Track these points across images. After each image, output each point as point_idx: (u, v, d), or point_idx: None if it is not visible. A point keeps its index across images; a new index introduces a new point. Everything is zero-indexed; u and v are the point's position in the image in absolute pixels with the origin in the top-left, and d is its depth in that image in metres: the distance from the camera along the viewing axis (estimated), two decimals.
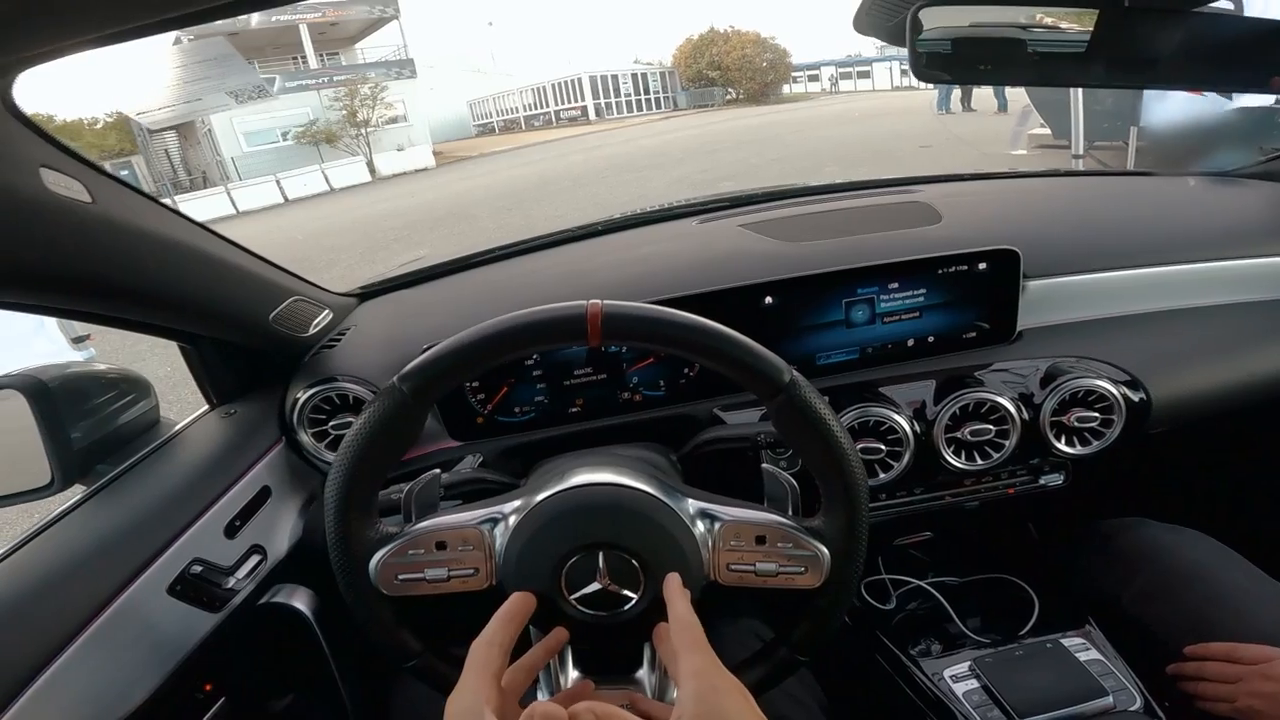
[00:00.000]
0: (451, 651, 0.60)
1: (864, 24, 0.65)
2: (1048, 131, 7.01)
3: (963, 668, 0.87)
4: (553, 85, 37.25)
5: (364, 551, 0.55)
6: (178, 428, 0.85)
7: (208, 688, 0.72)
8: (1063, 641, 0.88)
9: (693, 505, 0.58)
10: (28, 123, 0.47)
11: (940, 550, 1.11)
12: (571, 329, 0.52)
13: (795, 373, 0.54)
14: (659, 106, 37.73)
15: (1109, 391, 0.88)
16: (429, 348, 0.82)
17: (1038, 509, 1.11)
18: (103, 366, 0.83)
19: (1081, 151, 5.45)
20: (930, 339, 0.95)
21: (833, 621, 0.59)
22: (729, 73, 35.37)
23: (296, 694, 0.83)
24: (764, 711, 0.75)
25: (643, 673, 0.62)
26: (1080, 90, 4.81)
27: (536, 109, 37.89)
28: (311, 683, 0.83)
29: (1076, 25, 0.57)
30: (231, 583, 0.73)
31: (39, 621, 0.58)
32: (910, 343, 0.94)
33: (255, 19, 19.83)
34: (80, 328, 3.20)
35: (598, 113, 35.71)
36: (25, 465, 0.75)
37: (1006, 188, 1.32)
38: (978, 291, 0.93)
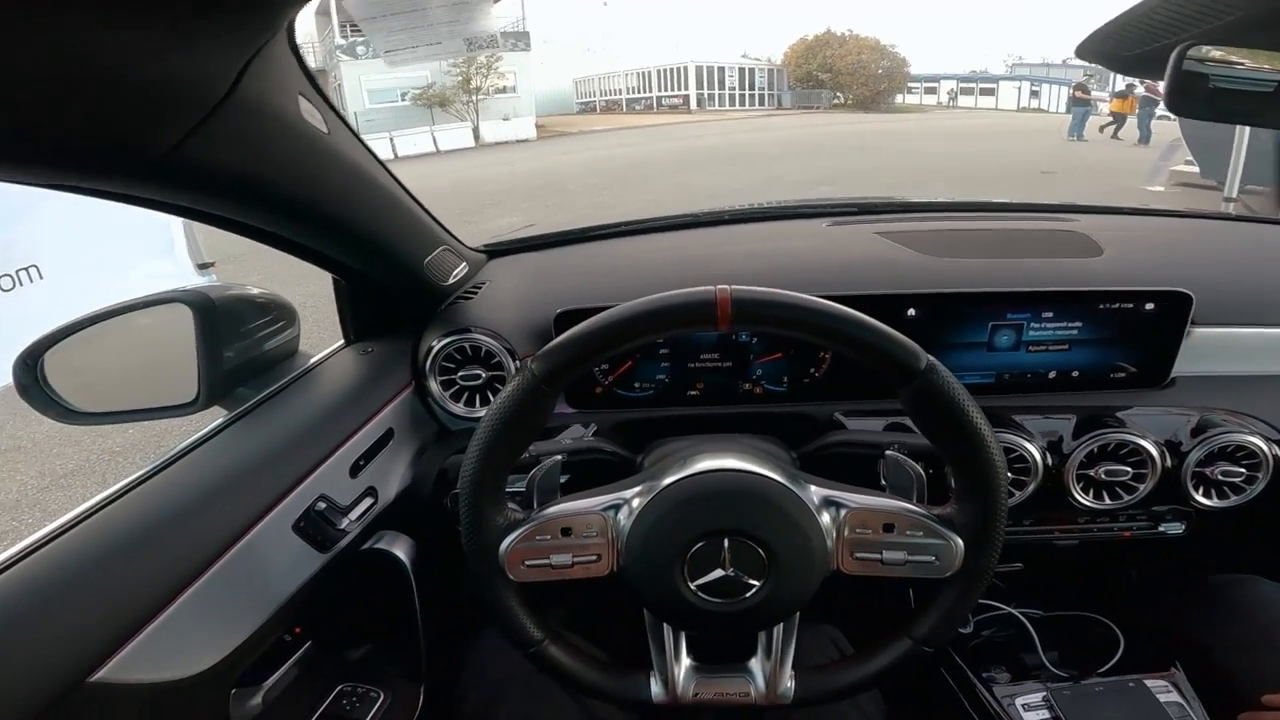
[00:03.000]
0: (571, 640, 0.61)
1: (1092, 52, 0.61)
2: (1194, 169, 6.46)
3: (1036, 698, 0.87)
4: (658, 71, 37.26)
5: (495, 536, 0.56)
6: (316, 359, 0.88)
7: (297, 630, 0.73)
8: (1146, 683, 0.87)
9: (817, 493, 0.57)
10: (296, 52, 0.50)
11: (1026, 581, 1.08)
12: (700, 314, 0.52)
13: (932, 358, 0.52)
14: (762, 103, 37.16)
15: (1261, 449, 0.84)
16: (562, 312, 0.84)
17: (1143, 554, 1.07)
18: (256, 291, 0.85)
19: (1235, 194, 4.97)
20: (1074, 374, 0.91)
21: (962, 613, 0.59)
22: (840, 76, 34.41)
23: (374, 645, 0.84)
24: (827, 714, 0.73)
25: (755, 662, 0.61)
26: (1248, 129, 4.36)
27: (639, 93, 38.03)
28: (392, 634, 0.83)
29: None
30: (344, 523, 0.73)
31: (176, 549, 0.58)
32: (1051, 375, 0.91)
33: None
34: (206, 254, 3.45)
35: (699, 103, 35.49)
36: (175, 380, 0.78)
37: (1171, 226, 1.22)
38: (1137, 332, 0.88)
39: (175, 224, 3.27)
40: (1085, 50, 0.62)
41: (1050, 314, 0.87)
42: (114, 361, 0.85)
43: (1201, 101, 0.54)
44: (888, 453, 0.66)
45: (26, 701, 0.45)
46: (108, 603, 0.52)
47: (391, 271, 0.83)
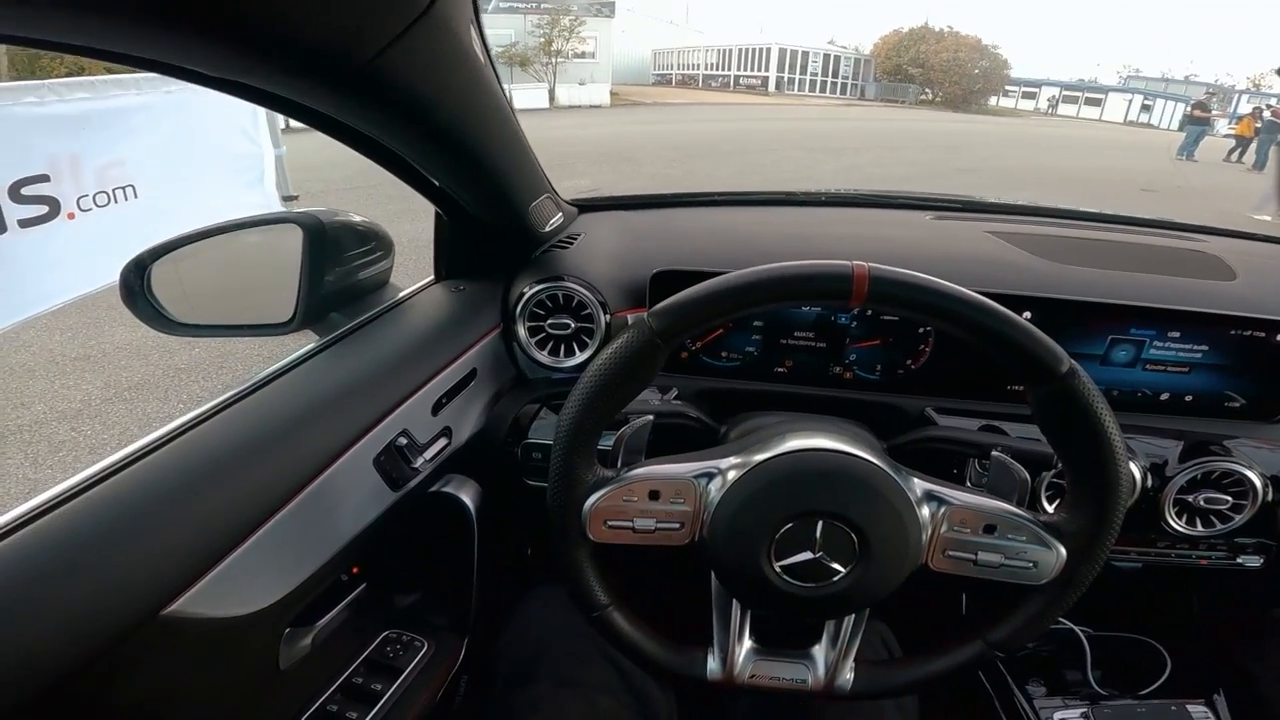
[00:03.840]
0: (634, 611, 0.60)
1: None
2: None
3: (1075, 714, 0.89)
4: (739, 50, 36.50)
5: (581, 492, 0.54)
6: (407, 292, 0.89)
7: (355, 570, 0.71)
8: (1187, 707, 0.88)
9: (920, 485, 0.55)
10: None
11: (1080, 598, 1.05)
12: (835, 288, 0.49)
13: (1074, 362, 0.49)
14: (844, 92, 36.07)
15: None
16: (659, 272, 0.83)
17: (1209, 582, 1.04)
18: (358, 218, 0.86)
19: None
20: (1188, 398, 0.87)
21: (1046, 623, 0.57)
22: (932, 72, 33.08)
23: (424, 592, 0.83)
24: (864, 710, 0.72)
25: (819, 649, 0.60)
26: None
27: (718, 70, 37.35)
28: (443, 582, 0.82)
29: None
30: (419, 462, 0.72)
31: (261, 479, 0.56)
32: (1164, 396, 0.87)
33: None
34: (293, 188, 3.58)
35: (778, 86, 34.66)
36: (274, 299, 0.79)
37: None
38: (1261, 363, 0.84)
39: (268, 157, 3.38)
40: None
41: (1177, 334, 0.82)
42: (215, 277, 0.86)
43: None
44: (994, 453, 0.63)
45: (101, 633, 0.44)
46: (188, 533, 0.50)
47: (499, 211, 0.83)
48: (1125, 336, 0.83)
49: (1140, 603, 1.08)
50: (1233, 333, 0.82)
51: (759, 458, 0.55)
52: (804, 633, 0.61)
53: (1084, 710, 0.89)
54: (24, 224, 2.57)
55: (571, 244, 0.94)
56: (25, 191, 2.56)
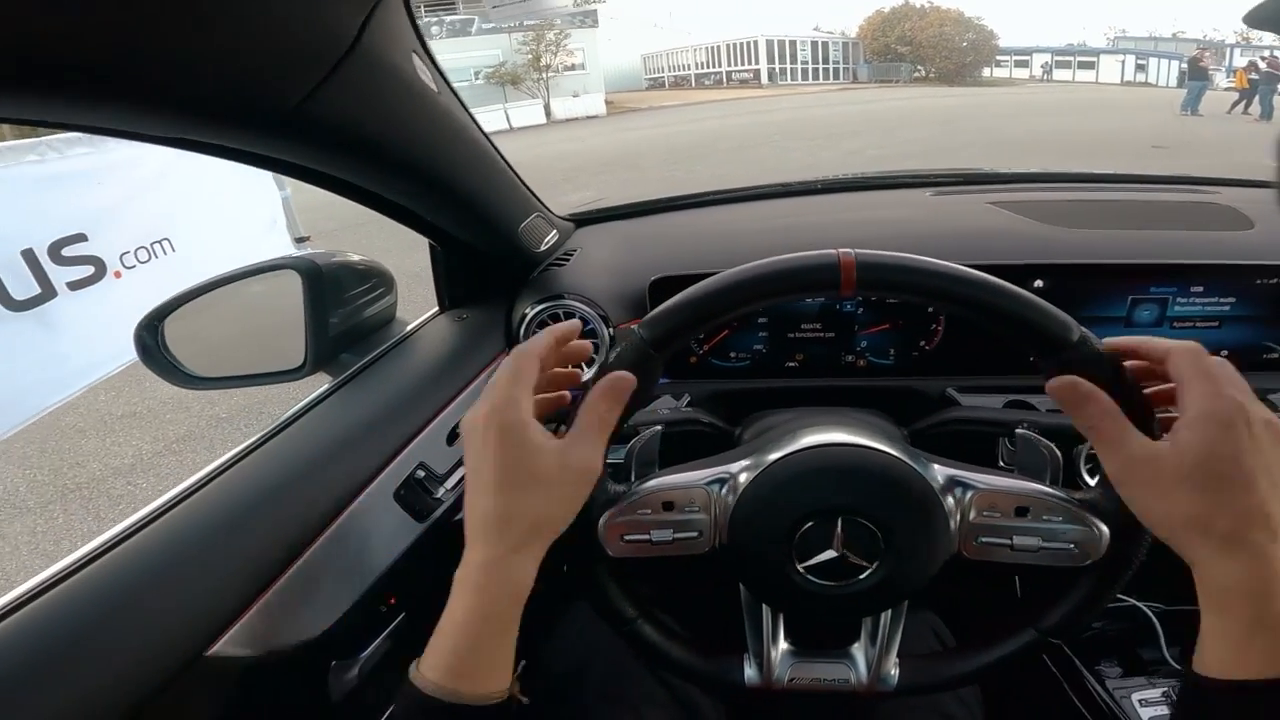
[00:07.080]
0: (662, 620, 0.59)
1: (1264, 20, 0.53)
2: None
3: (1156, 693, 0.83)
4: (727, 45, 36.58)
5: (594, 509, 0.53)
6: (413, 326, 0.89)
7: (391, 601, 0.72)
8: None
9: (941, 472, 0.53)
10: (410, 11, 0.50)
11: (1147, 573, 1.01)
12: (823, 278, 0.47)
13: (1085, 330, 0.46)
14: (837, 77, 35.96)
15: None
16: (657, 279, 0.82)
17: None
18: (357, 258, 0.86)
19: None
20: (1223, 353, 0.82)
21: (1100, 606, 0.53)
22: (921, 49, 32.93)
23: None
24: (922, 704, 0.69)
25: (858, 647, 0.58)
26: None
27: (708, 68, 37.44)
28: None
29: None
30: (440, 492, 0.71)
31: (287, 519, 0.58)
32: None
33: None
34: (303, 229, 3.62)
35: (770, 77, 34.64)
36: (283, 345, 0.80)
37: None
38: None
39: (275, 201, 3.41)
40: (1255, 19, 0.54)
41: (1200, 288, 0.79)
42: (227, 328, 0.88)
43: None
44: (1019, 431, 0.60)
45: (148, 680, 0.45)
46: (224, 575, 0.52)
47: (488, 236, 0.83)
48: (1147, 296, 0.80)
49: None
50: (1258, 282, 0.79)
51: (770, 458, 0.54)
52: (842, 631, 0.59)
53: (1164, 689, 0.83)
54: (74, 286, 2.54)
55: (569, 260, 0.94)
56: (66, 252, 2.51)
